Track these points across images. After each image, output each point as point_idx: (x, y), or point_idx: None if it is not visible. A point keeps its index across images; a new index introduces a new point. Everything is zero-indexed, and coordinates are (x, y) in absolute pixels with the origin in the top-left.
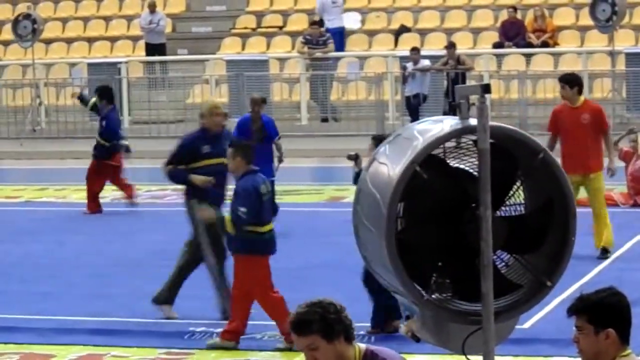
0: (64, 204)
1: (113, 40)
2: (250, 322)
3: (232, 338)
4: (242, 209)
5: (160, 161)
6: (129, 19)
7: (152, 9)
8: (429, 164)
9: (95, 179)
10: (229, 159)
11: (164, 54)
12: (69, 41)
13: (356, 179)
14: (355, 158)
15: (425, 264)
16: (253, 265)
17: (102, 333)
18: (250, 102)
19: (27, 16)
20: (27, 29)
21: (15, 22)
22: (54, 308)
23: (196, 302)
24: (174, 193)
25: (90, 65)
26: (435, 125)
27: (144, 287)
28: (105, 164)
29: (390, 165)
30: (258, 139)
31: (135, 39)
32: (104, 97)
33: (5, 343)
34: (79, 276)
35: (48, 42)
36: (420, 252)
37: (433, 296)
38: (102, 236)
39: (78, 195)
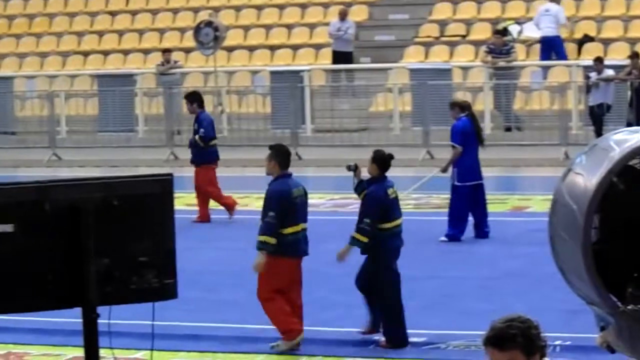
0: (246, 211)
1: (295, 48)
2: (432, 332)
3: (292, 337)
4: (271, 213)
5: (341, 170)
6: (312, 27)
7: (343, 16)
8: (626, 175)
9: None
10: (266, 161)
11: (350, 62)
12: (251, 49)
13: (357, 188)
14: (354, 169)
15: (621, 275)
16: (275, 266)
17: None
18: (465, 106)
19: (209, 24)
20: (209, 36)
21: (197, 30)
22: (237, 316)
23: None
24: (357, 202)
25: (272, 73)
26: (633, 136)
27: (328, 296)
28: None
29: (586, 176)
30: (481, 141)
31: (318, 47)
32: (195, 101)
33: (188, 351)
34: None
35: (230, 49)
36: (616, 263)
37: (629, 307)
38: None
39: (260, 203)
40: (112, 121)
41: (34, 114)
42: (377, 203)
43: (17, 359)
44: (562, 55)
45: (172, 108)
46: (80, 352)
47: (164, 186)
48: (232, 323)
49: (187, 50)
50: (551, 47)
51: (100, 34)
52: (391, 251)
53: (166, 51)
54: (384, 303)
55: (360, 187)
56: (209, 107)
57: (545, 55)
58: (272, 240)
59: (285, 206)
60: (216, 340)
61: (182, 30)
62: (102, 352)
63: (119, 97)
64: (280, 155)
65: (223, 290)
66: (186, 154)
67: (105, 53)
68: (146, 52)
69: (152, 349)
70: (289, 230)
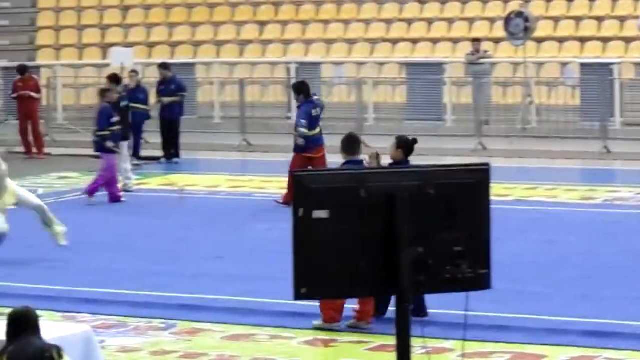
0: (554, 203)
1: (605, 40)
2: None
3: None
4: None
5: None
6: (622, 19)
7: None
8: None
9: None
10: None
11: None
12: (561, 40)
13: None
14: (376, 157)
15: None
16: None
17: (594, 335)
18: None
19: (520, 14)
20: (519, 27)
21: (508, 20)
22: (544, 308)
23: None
24: None
25: (582, 65)
26: None
27: (635, 290)
28: (300, 156)
29: None
30: None
31: (628, 40)
32: (297, 92)
33: (497, 342)
34: (569, 277)
35: (539, 40)
36: None
37: None
38: (593, 236)
39: (570, 195)
40: (420, 110)
41: (341, 101)
42: None
43: (321, 344)
44: None
45: (481, 98)
46: (388, 341)
47: (480, 176)
48: (540, 314)
49: (497, 41)
50: None
51: (409, 22)
52: None
53: (476, 41)
54: None
55: None
56: (517, 98)
57: None
58: None
59: None
60: (524, 331)
61: (492, 20)
62: (413, 341)
63: (428, 86)
64: (344, 142)
65: (530, 281)
66: (495, 144)
67: (414, 41)
68: (455, 41)
69: (463, 339)
70: None
